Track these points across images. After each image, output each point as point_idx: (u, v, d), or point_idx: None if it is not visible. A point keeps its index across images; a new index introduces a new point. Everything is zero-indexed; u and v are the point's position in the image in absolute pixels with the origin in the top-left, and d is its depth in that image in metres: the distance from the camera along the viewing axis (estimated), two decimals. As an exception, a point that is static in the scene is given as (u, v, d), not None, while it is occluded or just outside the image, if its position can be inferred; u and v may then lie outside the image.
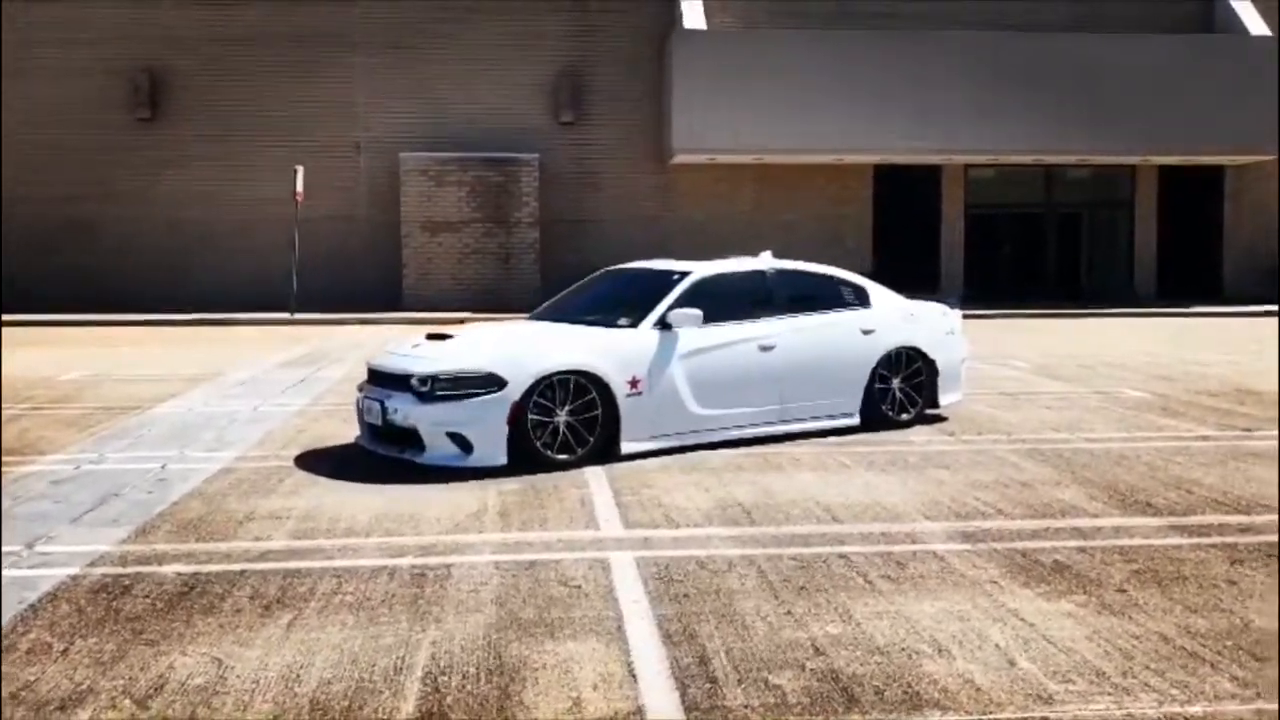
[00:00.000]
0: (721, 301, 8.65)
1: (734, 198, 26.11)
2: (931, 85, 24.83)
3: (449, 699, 3.90)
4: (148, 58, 24.51)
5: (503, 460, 7.48)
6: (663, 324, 8.22)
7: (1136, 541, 5.88)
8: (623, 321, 8.31)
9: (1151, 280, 27.41)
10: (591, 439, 7.79)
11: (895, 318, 9.38)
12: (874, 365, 9.15)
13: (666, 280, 8.66)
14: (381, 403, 7.74)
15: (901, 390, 9.39)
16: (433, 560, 5.56)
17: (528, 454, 7.54)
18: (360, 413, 8.10)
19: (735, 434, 8.52)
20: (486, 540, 5.93)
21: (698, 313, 8.20)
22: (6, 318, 22.16)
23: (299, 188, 22.23)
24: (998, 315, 23.31)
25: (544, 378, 7.57)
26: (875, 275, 25.94)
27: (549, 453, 7.61)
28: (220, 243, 24.82)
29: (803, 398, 8.82)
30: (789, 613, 4.76)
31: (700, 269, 8.79)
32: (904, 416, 9.32)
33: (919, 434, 9.08)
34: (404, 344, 8.40)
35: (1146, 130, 25.14)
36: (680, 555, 5.64)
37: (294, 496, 6.98)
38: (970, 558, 5.57)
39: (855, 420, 9.12)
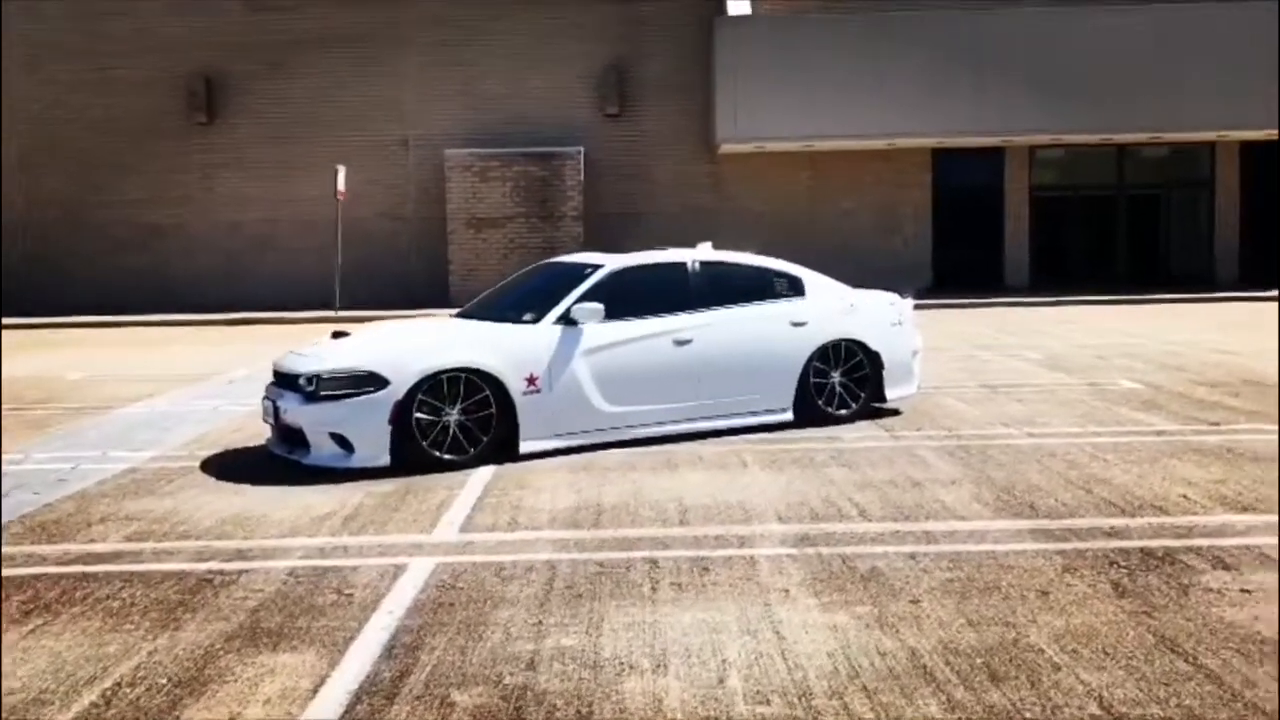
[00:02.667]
0: (638, 295, 8.41)
1: (788, 186, 25.61)
2: (992, 64, 23.98)
3: (110, 713, 3.79)
4: (204, 64, 25.11)
5: (385, 461, 7.37)
6: (566, 319, 8.01)
7: (981, 547, 5.48)
8: (527, 317, 8.13)
9: (1233, 263, 25.99)
10: (485, 438, 7.63)
11: (832, 309, 9.00)
12: (807, 359, 8.79)
13: (579, 274, 8.44)
14: (275, 403, 7.72)
15: (842, 385, 9.00)
16: (231, 566, 5.47)
17: (413, 454, 7.42)
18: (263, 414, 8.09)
19: (649, 431, 8.27)
20: (306, 545, 5.83)
21: (599, 307, 7.96)
22: (67, 320, 23.01)
23: (341, 186, 22.51)
24: (1060, 303, 22.42)
25: (429, 376, 7.43)
26: (936, 262, 25.62)
27: (436, 453, 7.47)
28: (278, 243, 25.31)
29: (725, 394, 8.51)
30: (538, 624, 4.54)
31: (614, 262, 8.55)
32: (843, 412, 8.94)
33: (854, 430, 8.69)
34: (308, 343, 8.35)
35: (1226, 104, 23.82)
36: (486, 561, 5.45)
37: (165, 499, 6.99)
38: (784, 564, 5.26)
39: (788, 416, 8.77)
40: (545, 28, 25.00)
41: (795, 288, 9.01)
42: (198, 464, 8.05)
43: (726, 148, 24.59)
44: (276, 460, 7.85)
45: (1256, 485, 6.62)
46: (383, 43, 25.14)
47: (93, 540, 6.04)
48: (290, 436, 7.67)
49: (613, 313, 8.15)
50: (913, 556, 5.34)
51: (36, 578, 5.34)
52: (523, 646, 4.30)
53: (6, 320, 23.34)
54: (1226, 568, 5.06)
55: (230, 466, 7.92)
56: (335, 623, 4.62)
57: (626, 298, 8.31)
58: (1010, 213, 25.96)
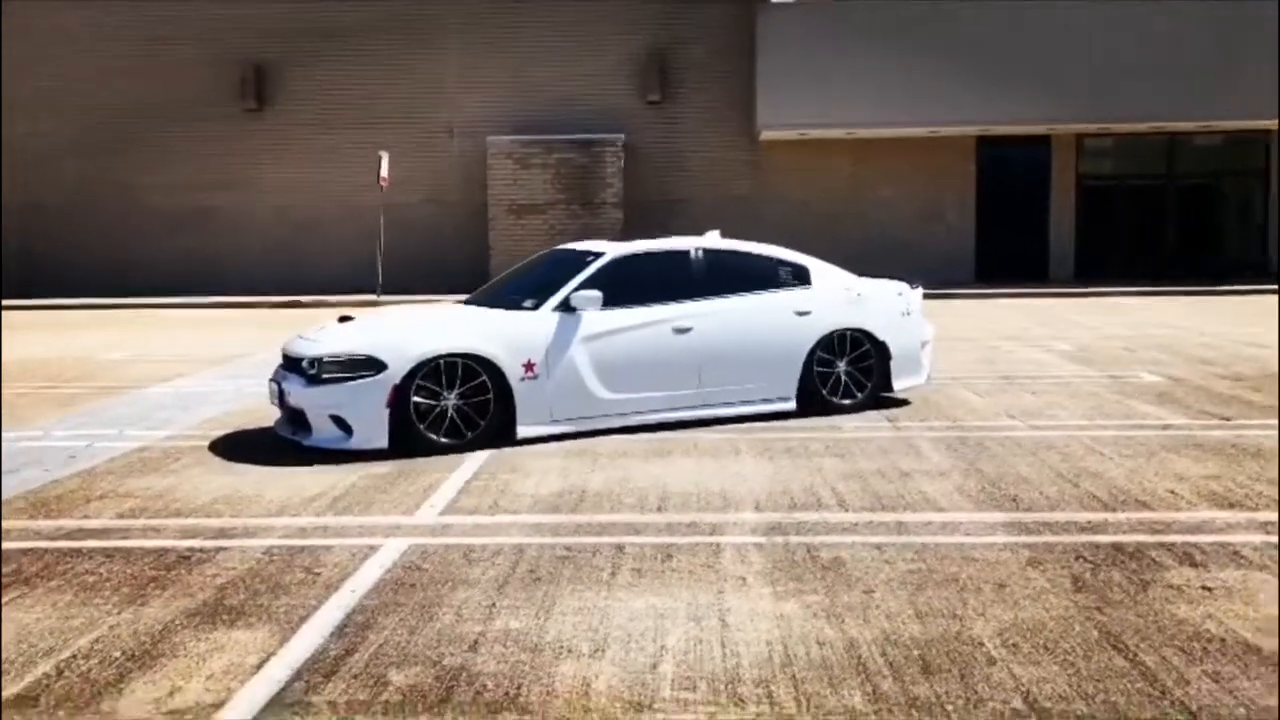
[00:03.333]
0: (639, 283, 8.45)
1: (829, 174, 25.44)
2: (1039, 51, 23.65)
3: (60, 683, 3.93)
4: (254, 51, 25.48)
5: (383, 443, 7.49)
6: (565, 306, 8.07)
7: (951, 539, 5.46)
8: (528, 304, 8.20)
9: (1289, 254, 25.43)
10: (483, 423, 7.72)
11: (837, 298, 8.97)
12: (810, 348, 8.77)
13: (580, 261, 8.50)
14: (280, 384, 7.87)
15: (847, 374, 8.98)
16: (210, 544, 5.61)
17: (410, 437, 7.53)
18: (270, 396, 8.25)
19: (648, 418, 8.31)
20: (289, 524, 5.95)
21: (598, 295, 8.01)
22: (118, 301, 23.52)
23: (384, 173, 22.75)
24: (1103, 293, 22.10)
25: (425, 361, 7.53)
26: (979, 252, 25.34)
27: (433, 436, 7.58)
28: (323, 228, 25.65)
29: (726, 382, 8.53)
30: (491, 606, 4.62)
31: (615, 250, 8.59)
32: (846, 402, 8.92)
33: (856, 420, 8.66)
34: (315, 327, 8.50)
35: (1282, 92, 23.29)
36: (458, 543, 5.54)
37: (167, 477, 7.16)
38: (748, 552, 5.28)
39: (791, 405, 8.77)
40: (588, 14, 25.05)
41: (800, 277, 8.99)
42: (207, 444, 8.23)
43: (768, 134, 24.49)
44: (282, 442, 8.00)
45: (1251, 481, 6.52)
46: (428, 30, 25.34)
47: (87, 516, 6.21)
48: (294, 418, 7.82)
49: (613, 300, 8.21)
50: (879, 547, 5.34)
51: (25, 552, 5.52)
52: (470, 628, 4.37)
53: (60, 300, 23.92)
54: (1194, 565, 5.01)
55: (238, 447, 8.09)
56: (296, 601, 4.73)
57: (627, 285, 8.36)
58: (1056, 202, 25.58)
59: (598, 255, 8.50)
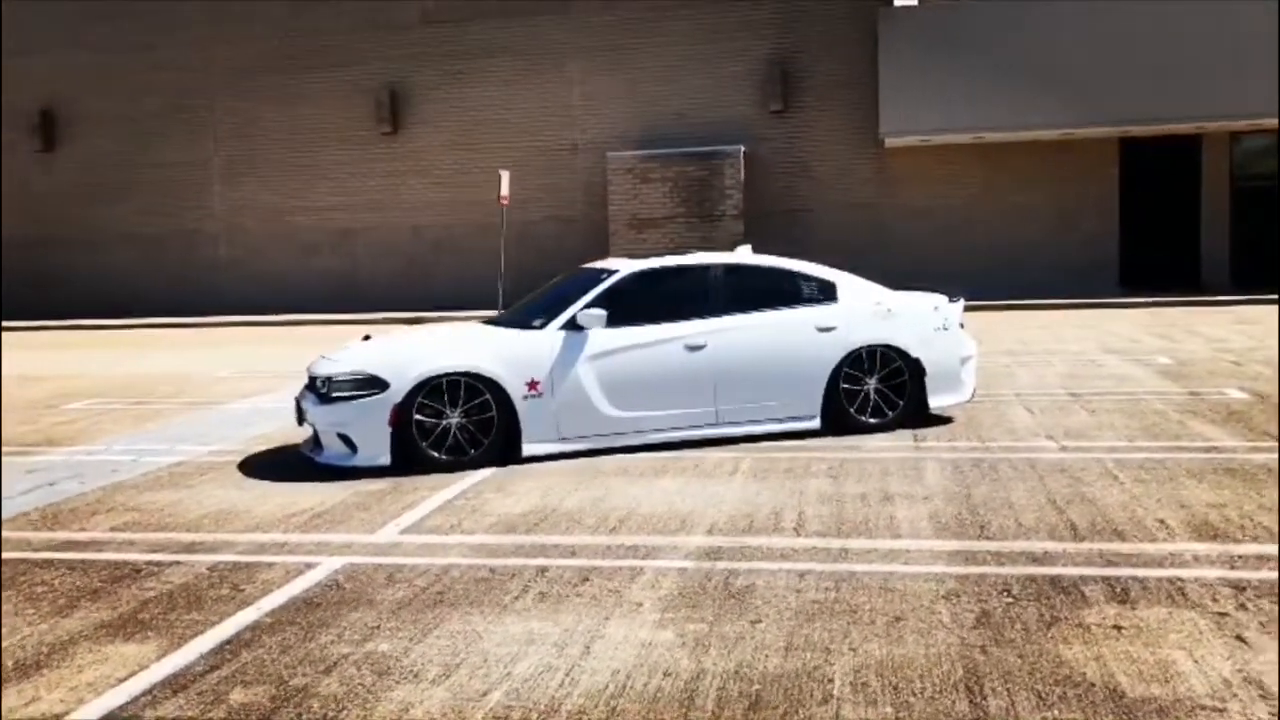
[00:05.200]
0: (653, 300, 8.42)
1: (959, 181, 24.71)
2: (1182, 43, 22.44)
3: (-61, 690, 4.18)
4: (389, 76, 26.47)
5: (386, 460, 7.67)
6: (572, 324, 8.10)
7: (884, 568, 5.24)
8: (536, 323, 8.27)
9: None
10: (486, 441, 7.82)
11: (864, 314, 8.70)
12: (835, 365, 8.55)
13: (595, 279, 8.51)
14: (299, 403, 8.15)
15: (878, 392, 8.71)
16: (169, 558, 5.85)
17: (413, 455, 7.68)
18: (298, 414, 8.54)
19: (663, 437, 8.25)
20: (253, 540, 6.16)
21: (602, 313, 8.01)
22: (256, 318, 24.74)
23: (504, 191, 23.27)
24: (1254, 302, 20.78)
25: (428, 380, 7.67)
26: (1123, 261, 24.15)
27: (436, 454, 7.71)
28: (454, 245, 26.41)
29: (744, 400, 8.39)
30: (376, 628, 4.67)
31: (629, 266, 8.55)
32: (874, 420, 8.65)
33: (881, 439, 8.39)
34: (340, 347, 8.76)
35: None
36: (393, 563, 5.63)
37: (181, 491, 7.51)
38: (665, 578, 5.19)
39: (815, 424, 8.56)
40: (708, 26, 25.06)
41: (826, 292, 8.77)
42: (240, 460, 8.59)
43: (892, 141, 23.98)
44: (304, 459, 8.28)
45: (1258, 510, 6.03)
46: (552, 51, 25.81)
47: (84, 529, 6.57)
48: (314, 436, 8.09)
49: (627, 317, 8.20)
50: (802, 575, 5.17)
51: (5, 563, 5.87)
52: (340, 650, 4.44)
53: (211, 319, 25.32)
54: (1124, 602, 4.67)
55: (267, 463, 8.42)
56: (202, 617, 4.90)
57: (642, 302, 8.33)
58: (1208, 206, 24.17)
59: (612, 272, 8.49)
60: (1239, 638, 4.22)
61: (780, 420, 8.51)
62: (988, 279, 23.62)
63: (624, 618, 4.68)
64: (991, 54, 22.94)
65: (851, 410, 8.63)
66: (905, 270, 23.09)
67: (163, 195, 27.86)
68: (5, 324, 25.48)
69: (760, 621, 4.58)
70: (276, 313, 25.80)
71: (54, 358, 18.32)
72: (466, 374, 7.76)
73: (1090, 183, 24.33)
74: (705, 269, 8.68)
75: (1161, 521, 5.88)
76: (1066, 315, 20.30)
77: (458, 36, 26.12)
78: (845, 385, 8.63)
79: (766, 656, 4.21)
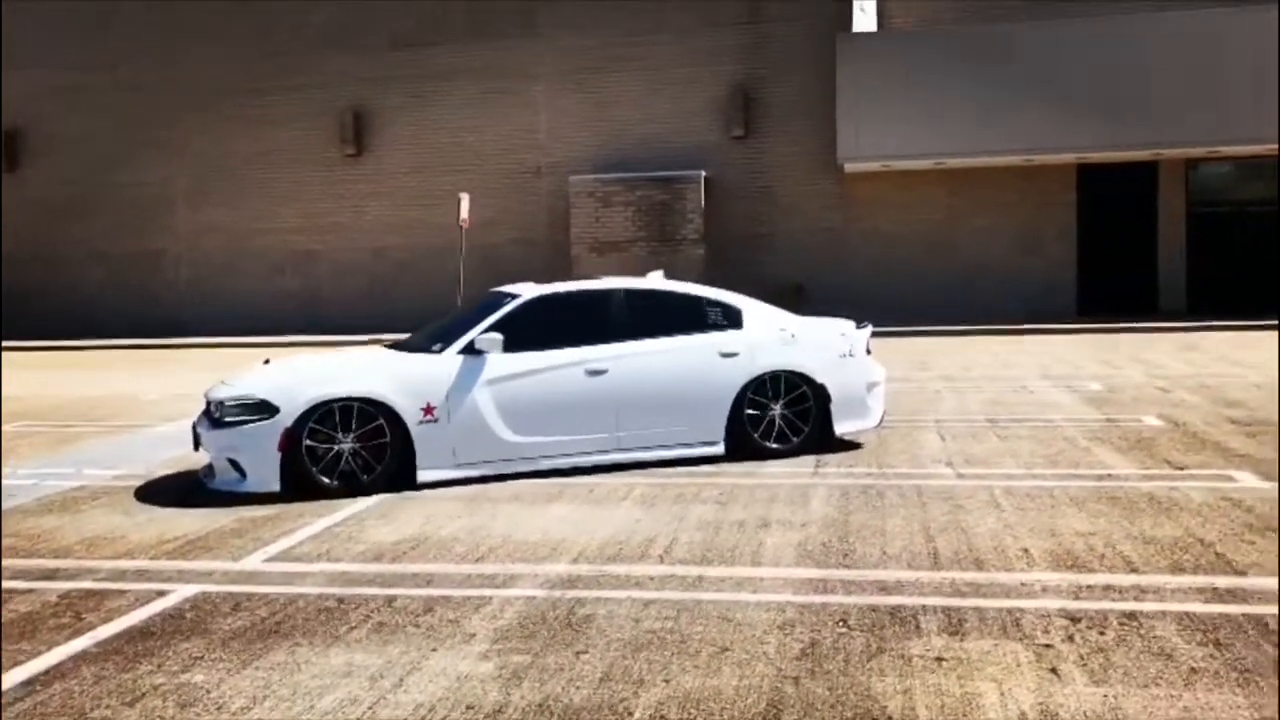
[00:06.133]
0: (556, 325, 8.39)
1: (921, 206, 24.78)
2: (1141, 70, 22.58)
3: None
4: (353, 99, 26.51)
5: (276, 486, 7.61)
6: (470, 349, 8.06)
7: (728, 596, 5.20)
8: (436, 347, 8.23)
9: None
10: (380, 467, 7.77)
11: (769, 340, 8.68)
12: (739, 391, 8.53)
13: (497, 303, 8.48)
14: (195, 429, 8.09)
15: (783, 417, 8.69)
16: (25, 585, 5.78)
17: (303, 480, 7.62)
18: (198, 438, 8.47)
19: (562, 462, 8.21)
20: (115, 567, 6.10)
21: (498, 337, 7.98)
22: (212, 340, 24.64)
23: (464, 214, 23.26)
24: (1208, 328, 20.84)
25: (319, 405, 7.62)
26: (1081, 284, 24.18)
27: (326, 480, 7.65)
28: (416, 268, 26.38)
29: (646, 425, 8.36)
30: (198, 659, 4.62)
31: (532, 291, 8.53)
32: (776, 446, 8.61)
33: (783, 465, 8.36)
34: (240, 370, 8.71)
35: None
36: (243, 592, 5.57)
37: (65, 516, 7.44)
38: (510, 607, 5.14)
39: (720, 449, 8.53)
40: (672, 52, 25.16)
41: (731, 318, 8.75)
42: (140, 484, 8.51)
43: (851, 167, 24.05)
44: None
45: (1127, 540, 6.01)
46: (517, 75, 25.88)
47: (-49, 555, 6.50)
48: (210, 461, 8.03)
49: (527, 343, 8.17)
50: (648, 604, 5.13)
51: None
52: (155, 681, 4.38)
53: (174, 340, 25.22)
54: (955, 633, 4.63)
55: (164, 488, 8.35)
56: (32, 646, 4.83)
57: (544, 327, 8.31)
58: (1164, 231, 24.28)
59: (514, 297, 8.47)
60: (1053, 670, 4.19)
61: (684, 446, 8.48)
62: (949, 303, 23.67)
63: (452, 649, 4.63)
64: (951, 80, 23.04)
65: (756, 436, 8.61)
66: (867, 294, 23.17)
67: (127, 215, 27.81)
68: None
69: (586, 652, 4.53)
70: (240, 334, 25.72)
71: (8, 380, 18.22)
72: (359, 399, 7.72)
73: (1050, 208, 24.43)
74: (609, 295, 8.66)
75: (1025, 550, 5.86)
76: (1022, 341, 20.33)
77: (424, 59, 26.18)
78: (750, 411, 8.61)
79: (577, 689, 4.16)
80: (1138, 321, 22.42)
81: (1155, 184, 24.21)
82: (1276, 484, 7.31)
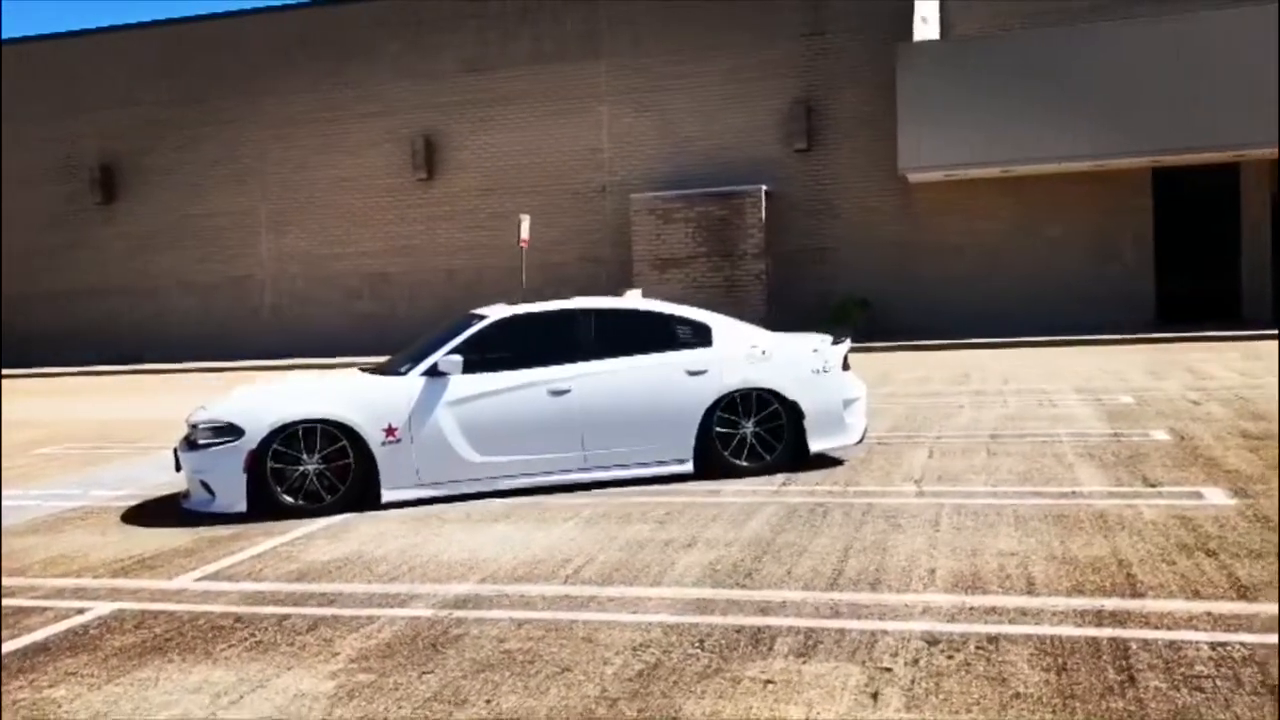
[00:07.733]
0: (521, 345, 8.50)
1: (989, 215, 24.30)
2: (1218, 69, 21.79)
3: None
4: (424, 124, 27.13)
5: (242, 506, 7.86)
6: (434, 371, 8.21)
7: (608, 616, 5.21)
8: (402, 369, 8.40)
9: None
10: (343, 487, 7.96)
11: (738, 357, 8.64)
12: (707, 409, 8.51)
13: (465, 325, 8.62)
14: (175, 452, 8.40)
15: (755, 435, 8.64)
16: (-37, 602, 6.10)
17: (268, 501, 7.86)
18: (187, 460, 8.78)
19: (529, 482, 8.30)
20: (62, 585, 6.38)
21: (459, 359, 8.12)
22: (288, 361, 25.38)
23: (524, 234, 23.59)
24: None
25: (283, 427, 7.86)
26: (1160, 293, 23.34)
27: (291, 500, 7.88)
28: (485, 288, 26.77)
29: (612, 444, 8.40)
30: (72, 675, 4.81)
31: (499, 313, 8.65)
32: (746, 464, 8.56)
33: (749, 484, 8.31)
34: (219, 395, 9.00)
35: None
36: (156, 609, 5.77)
37: (46, 536, 7.80)
38: (390, 627, 5.24)
39: (688, 467, 8.52)
40: (732, 68, 25.18)
41: (701, 336, 8.74)
42: (130, 505, 8.87)
43: (914, 177, 23.72)
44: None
45: (1046, 560, 5.84)
46: (580, 95, 26.18)
47: (-78, 573, 6.87)
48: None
49: (491, 363, 8.30)
50: (521, 624, 5.17)
51: None
52: (20, 695, 4.59)
53: (254, 362, 26.08)
54: (800, 655, 4.57)
55: (152, 509, 8.68)
56: (-67, 661, 5.10)
57: (508, 348, 8.43)
58: (1248, 236, 23.34)
59: (480, 318, 8.60)
60: (874, 695, 4.12)
61: (651, 464, 8.49)
62: (1020, 315, 23.15)
63: (307, 668, 4.74)
64: (1015, 85, 22.58)
65: (727, 454, 8.57)
66: (935, 307, 22.81)
67: (214, 244, 28.87)
68: (59, 370, 26.61)
69: (431, 673, 4.60)
70: (320, 356, 26.46)
71: (78, 403, 19.09)
72: (321, 420, 7.93)
73: (1124, 215, 23.71)
74: (576, 315, 8.73)
75: (931, 571, 5.74)
76: (1087, 352, 19.76)
77: (491, 84, 26.68)
78: (720, 429, 8.58)
79: (399, 709, 4.23)
80: (1218, 330, 21.61)
81: (1237, 187, 23.32)
82: (1276, 495, 7.02)
